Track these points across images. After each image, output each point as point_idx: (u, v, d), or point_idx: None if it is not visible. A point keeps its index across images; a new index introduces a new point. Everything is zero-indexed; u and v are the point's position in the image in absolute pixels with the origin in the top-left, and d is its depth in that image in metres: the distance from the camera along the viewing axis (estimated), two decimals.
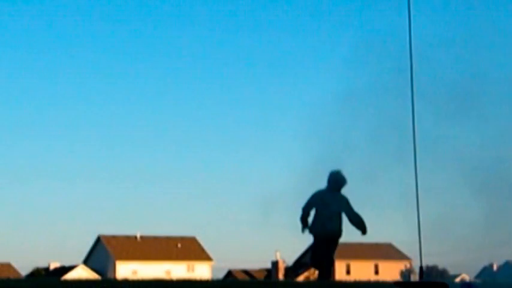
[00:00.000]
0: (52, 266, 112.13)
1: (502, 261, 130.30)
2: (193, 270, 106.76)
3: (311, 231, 14.19)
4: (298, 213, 14.43)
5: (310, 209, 14.12)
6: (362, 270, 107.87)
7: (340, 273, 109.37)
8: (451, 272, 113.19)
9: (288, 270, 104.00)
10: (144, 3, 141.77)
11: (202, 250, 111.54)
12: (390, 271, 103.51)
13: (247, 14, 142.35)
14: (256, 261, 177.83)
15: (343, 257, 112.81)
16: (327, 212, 13.89)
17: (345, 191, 14.37)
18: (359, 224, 14.26)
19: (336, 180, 14.08)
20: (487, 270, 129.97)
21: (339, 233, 14.17)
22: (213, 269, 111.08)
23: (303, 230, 14.26)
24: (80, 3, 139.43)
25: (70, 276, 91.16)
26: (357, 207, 14.29)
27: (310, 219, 14.29)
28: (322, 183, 14.36)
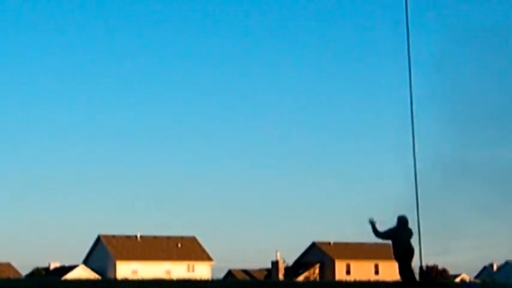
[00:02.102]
0: (52, 266, 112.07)
1: (502, 261, 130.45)
2: (193, 270, 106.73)
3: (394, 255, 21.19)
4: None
5: (385, 234, 21.19)
6: (362, 270, 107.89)
7: (340, 273, 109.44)
8: (451, 272, 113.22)
9: (288, 270, 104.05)
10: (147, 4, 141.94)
11: (202, 250, 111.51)
12: (390, 271, 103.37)
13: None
14: (256, 261, 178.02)
15: (343, 257, 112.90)
16: (400, 241, 21.03)
17: None
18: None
19: (402, 222, 21.11)
20: (487, 270, 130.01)
21: (409, 252, 21.01)
22: (213, 269, 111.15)
23: (372, 222, 21.04)
24: (80, 4, 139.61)
25: (70, 276, 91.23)
26: None
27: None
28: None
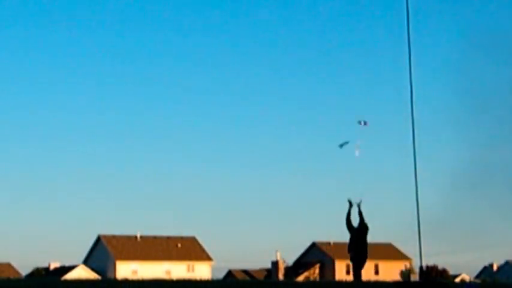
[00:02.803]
0: (52, 266, 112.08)
1: (502, 261, 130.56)
2: (193, 270, 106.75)
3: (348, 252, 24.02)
4: None
5: (350, 227, 24.15)
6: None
7: (340, 273, 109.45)
8: (451, 272, 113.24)
9: (288, 270, 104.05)
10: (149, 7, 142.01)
11: (202, 250, 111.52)
12: (390, 271, 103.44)
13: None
14: (256, 261, 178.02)
15: (343, 257, 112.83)
16: (353, 244, 24.14)
17: None
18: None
19: (362, 230, 23.75)
20: (487, 270, 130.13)
21: (356, 257, 24.44)
22: (213, 269, 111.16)
23: (350, 202, 23.41)
24: (81, 4, 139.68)
25: (70, 276, 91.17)
26: None
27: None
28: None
